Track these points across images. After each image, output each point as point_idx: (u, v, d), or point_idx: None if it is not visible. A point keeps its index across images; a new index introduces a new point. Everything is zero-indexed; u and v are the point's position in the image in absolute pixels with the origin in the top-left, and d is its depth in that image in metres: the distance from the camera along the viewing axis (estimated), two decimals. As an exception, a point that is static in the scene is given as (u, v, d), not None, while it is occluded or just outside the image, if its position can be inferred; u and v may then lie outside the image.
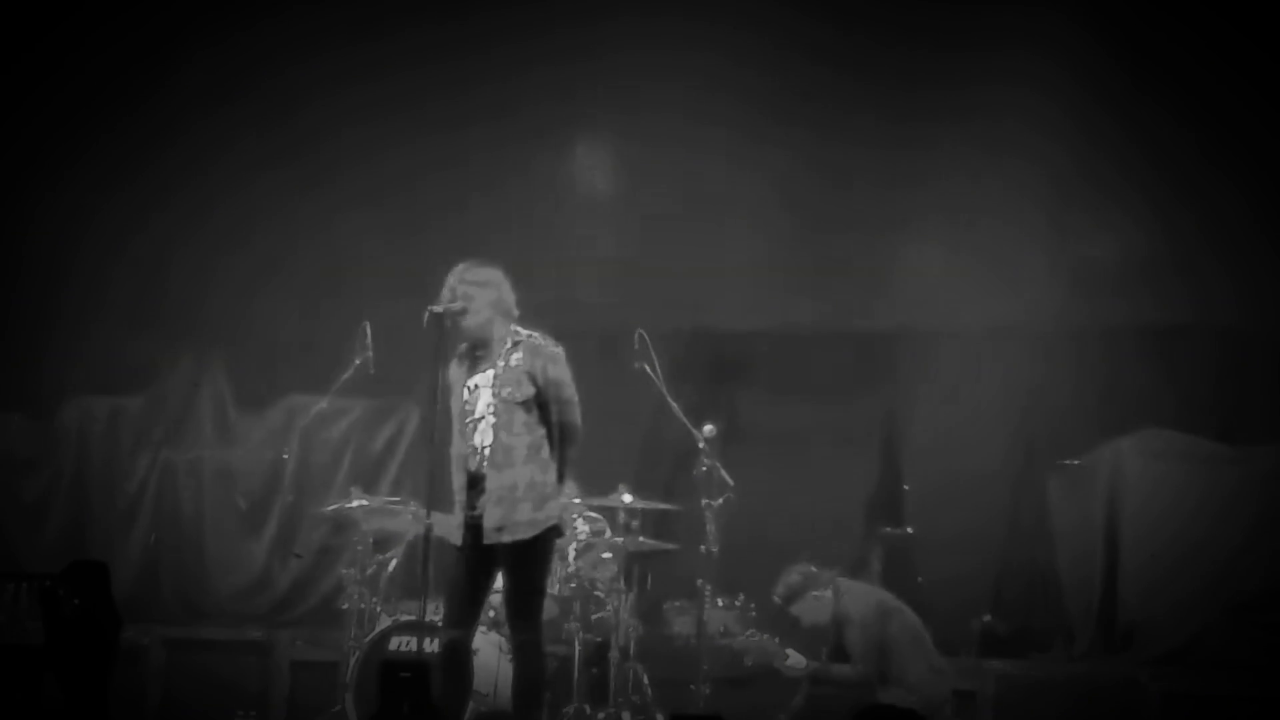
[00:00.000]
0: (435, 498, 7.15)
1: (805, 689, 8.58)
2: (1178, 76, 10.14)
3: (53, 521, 11.71)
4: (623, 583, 8.83)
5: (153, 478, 11.75)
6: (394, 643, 8.52)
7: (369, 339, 9.16)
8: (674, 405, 8.81)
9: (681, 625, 9.53)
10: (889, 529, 10.87)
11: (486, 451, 7.09)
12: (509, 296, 7.26)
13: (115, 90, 11.07)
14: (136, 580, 11.37)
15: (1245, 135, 10.21)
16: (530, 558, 7.08)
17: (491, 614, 8.06)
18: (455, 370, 7.30)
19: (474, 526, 7.07)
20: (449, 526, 7.19)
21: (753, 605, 9.31)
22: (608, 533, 9.09)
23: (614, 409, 10.28)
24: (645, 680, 8.84)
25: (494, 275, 7.25)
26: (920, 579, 10.51)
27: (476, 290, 7.17)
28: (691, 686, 8.75)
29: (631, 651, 8.83)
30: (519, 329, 7.25)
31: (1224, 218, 10.36)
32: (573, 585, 8.72)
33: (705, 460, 8.77)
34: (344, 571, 9.15)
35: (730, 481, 8.77)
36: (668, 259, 10.97)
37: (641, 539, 8.93)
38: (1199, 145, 10.30)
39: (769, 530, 10.22)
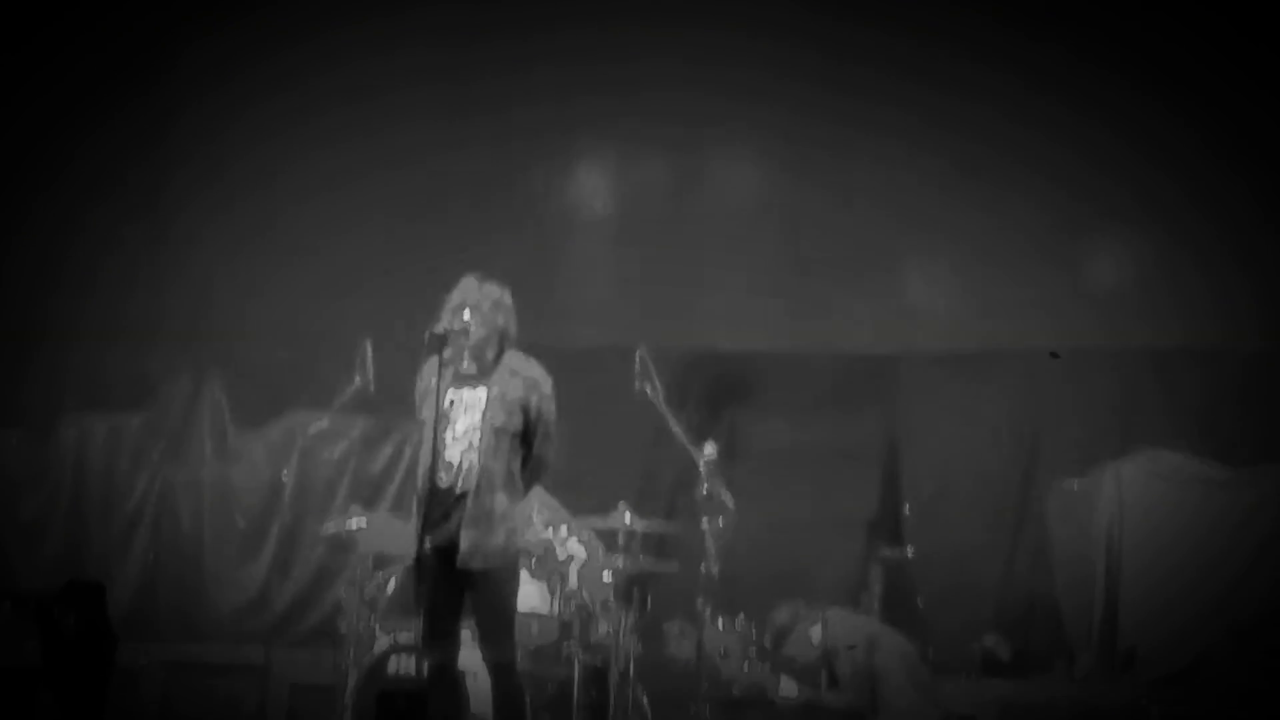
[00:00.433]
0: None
1: (799, 717, 8.61)
2: (1189, 89, 10.18)
3: (51, 540, 11.69)
4: (622, 603, 8.80)
5: (151, 496, 11.74)
6: (392, 664, 8.49)
7: (369, 358, 9.14)
8: (674, 425, 8.78)
9: (681, 647, 9.50)
10: (889, 550, 10.83)
11: (466, 472, 7.01)
12: (512, 319, 7.18)
13: (112, 102, 11.11)
14: (135, 599, 11.36)
15: (1251, 154, 10.25)
16: (501, 580, 7.05)
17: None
18: (435, 378, 7.07)
19: (443, 549, 6.99)
20: (403, 534, 7.14)
21: (753, 627, 9.29)
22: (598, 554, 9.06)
23: (614, 429, 10.31)
24: (645, 702, 8.81)
25: (501, 295, 7.16)
26: (921, 600, 10.49)
27: (482, 305, 7.10)
28: (691, 708, 8.72)
29: (631, 673, 8.79)
30: (517, 356, 7.20)
31: (1223, 242, 10.40)
32: (572, 606, 8.69)
33: (705, 481, 8.75)
34: (342, 592, 9.12)
35: (730, 502, 8.76)
36: (669, 279, 10.98)
37: (641, 559, 8.91)
38: (1202, 165, 10.34)
39: (769, 551, 10.21)
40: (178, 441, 11.85)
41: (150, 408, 11.94)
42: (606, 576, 8.92)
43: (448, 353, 7.07)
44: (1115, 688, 9.98)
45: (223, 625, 11.37)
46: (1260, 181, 10.37)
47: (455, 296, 7.11)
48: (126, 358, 11.71)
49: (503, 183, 11.00)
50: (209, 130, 11.20)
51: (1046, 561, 10.80)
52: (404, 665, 8.36)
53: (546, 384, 7.17)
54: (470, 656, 7.40)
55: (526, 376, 7.13)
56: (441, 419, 7.02)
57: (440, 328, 7.05)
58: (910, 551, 10.82)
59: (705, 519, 8.74)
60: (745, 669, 8.80)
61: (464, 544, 6.96)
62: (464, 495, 6.99)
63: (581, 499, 9.05)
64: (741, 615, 9.41)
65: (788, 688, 8.52)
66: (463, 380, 7.13)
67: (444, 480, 7.00)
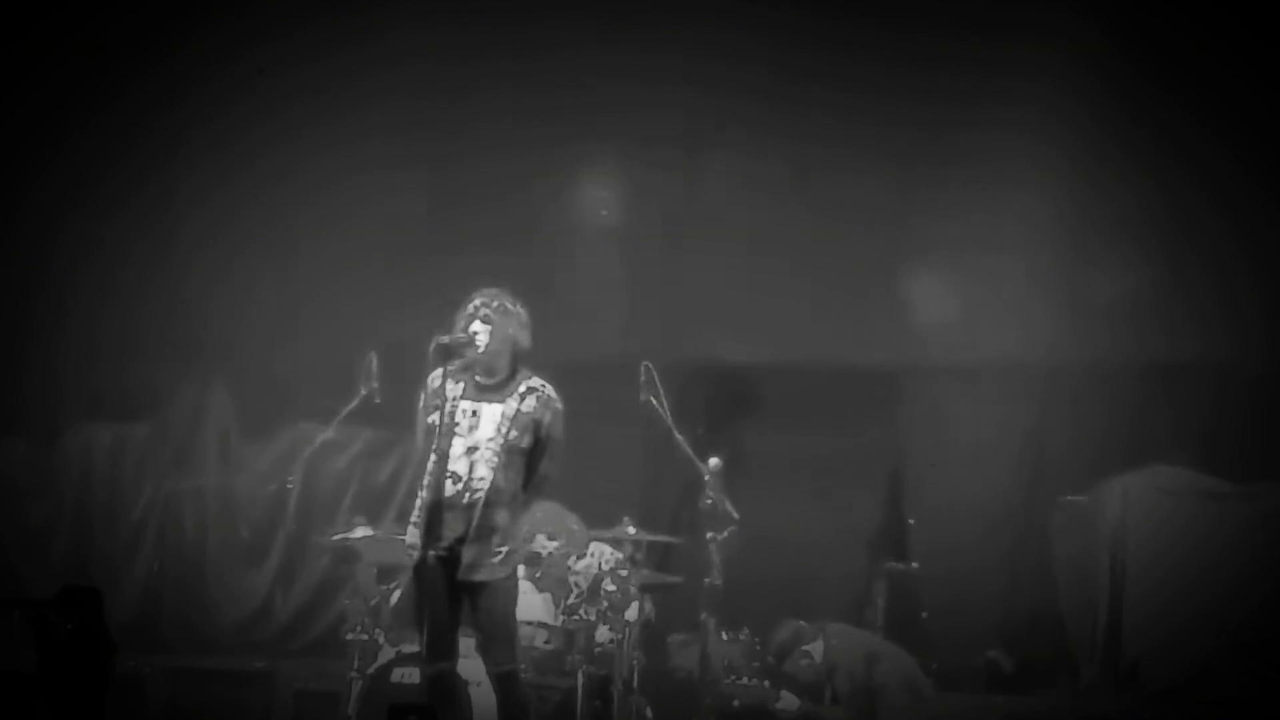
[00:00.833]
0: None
1: None
2: (1189, 112, 10.19)
3: (56, 549, 11.67)
4: (626, 615, 8.80)
5: (156, 506, 11.73)
6: (396, 674, 8.48)
7: (375, 369, 9.16)
8: (679, 438, 8.79)
9: (685, 659, 9.50)
10: (893, 563, 10.84)
11: (477, 487, 7.01)
12: (526, 334, 7.18)
13: (122, 111, 11.14)
14: (139, 608, 11.35)
15: (1254, 169, 10.26)
16: (503, 591, 7.08)
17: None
18: (445, 384, 7.10)
19: (446, 559, 7.00)
20: (400, 543, 7.17)
21: (757, 640, 9.29)
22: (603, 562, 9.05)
23: (619, 441, 10.32)
24: (648, 713, 8.82)
25: (517, 310, 7.17)
26: (925, 614, 10.48)
27: (497, 318, 7.10)
28: (694, 720, 8.75)
29: (634, 685, 8.79)
30: (531, 375, 7.21)
31: (1228, 255, 10.41)
32: (576, 617, 8.69)
33: (710, 493, 8.75)
34: (347, 602, 9.12)
35: (735, 515, 8.76)
36: (674, 291, 10.99)
37: (646, 571, 8.91)
38: (1204, 179, 10.35)
39: (773, 564, 10.21)
40: (183, 451, 11.84)
41: (155, 417, 11.95)
42: (611, 588, 8.92)
43: (455, 363, 7.08)
44: (1118, 701, 9.98)
45: (227, 636, 11.37)
46: (1273, 195, 10.38)
47: (468, 308, 7.13)
48: (132, 367, 11.71)
49: (509, 195, 11.01)
50: (216, 141, 11.22)
51: (1050, 575, 10.79)
52: (409, 675, 8.36)
53: (557, 402, 7.20)
54: (473, 666, 7.41)
55: (543, 396, 7.15)
56: (448, 429, 7.03)
57: (447, 338, 7.06)
58: (914, 564, 10.84)
59: (710, 531, 8.76)
60: (747, 682, 8.82)
61: (466, 556, 6.98)
62: (470, 507, 7.00)
63: (587, 511, 9.08)
64: (745, 628, 9.43)
65: (788, 701, 8.57)
66: (482, 393, 7.13)
67: (450, 489, 7.01)
